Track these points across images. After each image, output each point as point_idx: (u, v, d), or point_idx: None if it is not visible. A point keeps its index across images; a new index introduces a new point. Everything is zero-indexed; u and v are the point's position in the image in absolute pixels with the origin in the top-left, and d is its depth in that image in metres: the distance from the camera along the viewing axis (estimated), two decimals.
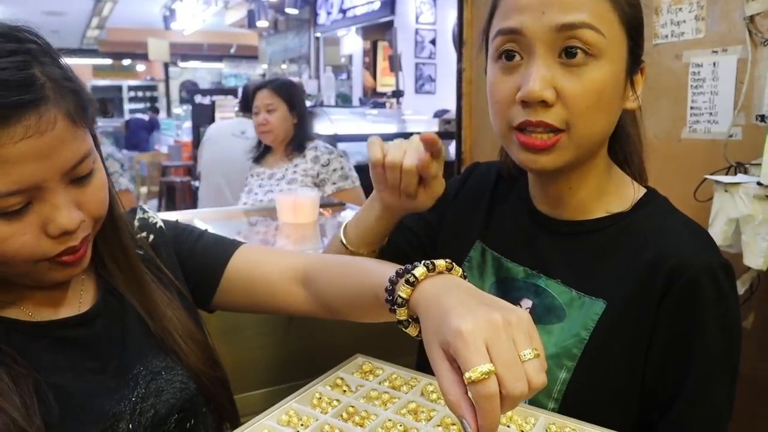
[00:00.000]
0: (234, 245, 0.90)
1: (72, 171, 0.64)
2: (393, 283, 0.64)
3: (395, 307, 0.62)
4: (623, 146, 0.85)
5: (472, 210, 0.95)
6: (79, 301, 0.76)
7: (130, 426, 0.71)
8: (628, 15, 0.73)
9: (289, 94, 2.49)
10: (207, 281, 0.88)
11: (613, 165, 0.84)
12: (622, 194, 0.82)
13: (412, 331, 0.63)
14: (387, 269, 0.69)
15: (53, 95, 0.61)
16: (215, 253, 0.89)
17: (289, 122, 2.48)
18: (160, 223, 0.89)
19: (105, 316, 0.77)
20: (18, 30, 0.63)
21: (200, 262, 0.88)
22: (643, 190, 0.83)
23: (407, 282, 0.61)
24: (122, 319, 0.78)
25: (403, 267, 0.64)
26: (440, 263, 0.62)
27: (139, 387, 0.74)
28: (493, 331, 0.51)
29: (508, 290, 0.86)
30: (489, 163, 1.00)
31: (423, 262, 0.62)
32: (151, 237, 0.87)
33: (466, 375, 0.49)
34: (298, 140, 2.50)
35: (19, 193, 0.60)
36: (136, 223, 0.87)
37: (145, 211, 0.89)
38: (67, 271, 0.69)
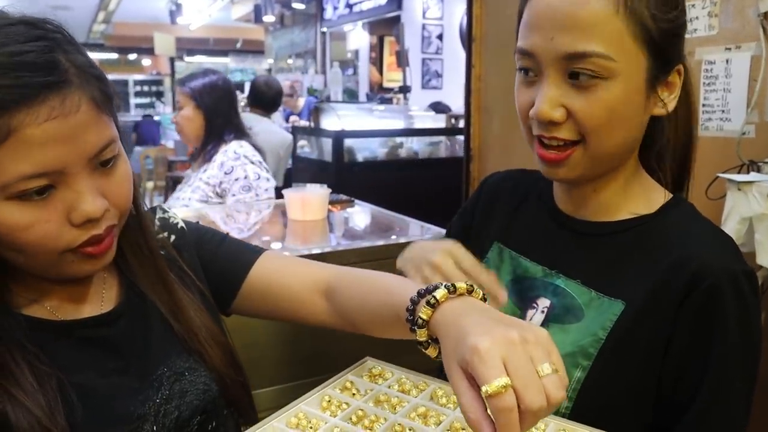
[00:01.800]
0: (257, 252, 0.89)
1: (96, 157, 0.64)
2: (414, 303, 0.64)
3: (415, 327, 0.62)
4: (654, 152, 0.83)
5: (490, 215, 0.95)
6: (102, 299, 0.76)
7: (155, 428, 0.71)
8: (647, 29, 0.71)
9: (195, 90, 2.23)
10: (228, 286, 0.87)
11: (641, 169, 0.83)
12: (648, 198, 0.82)
13: (431, 352, 0.63)
14: (410, 288, 0.68)
15: (77, 80, 0.62)
16: (238, 258, 0.88)
17: (195, 122, 2.24)
18: (181, 224, 0.88)
19: (128, 315, 0.76)
20: (44, 21, 0.64)
21: (222, 266, 0.88)
22: (669, 195, 0.82)
23: (428, 303, 0.60)
24: (145, 319, 0.78)
25: (424, 287, 0.63)
26: (461, 285, 0.61)
27: (163, 388, 0.74)
28: (509, 347, 0.51)
29: (525, 289, 0.85)
30: (504, 171, 1.01)
31: (444, 284, 0.61)
32: (173, 237, 0.86)
33: (483, 389, 0.49)
34: (206, 143, 2.25)
35: (42, 176, 0.60)
36: (157, 223, 0.86)
37: (165, 211, 0.88)
38: (91, 263, 0.68)
